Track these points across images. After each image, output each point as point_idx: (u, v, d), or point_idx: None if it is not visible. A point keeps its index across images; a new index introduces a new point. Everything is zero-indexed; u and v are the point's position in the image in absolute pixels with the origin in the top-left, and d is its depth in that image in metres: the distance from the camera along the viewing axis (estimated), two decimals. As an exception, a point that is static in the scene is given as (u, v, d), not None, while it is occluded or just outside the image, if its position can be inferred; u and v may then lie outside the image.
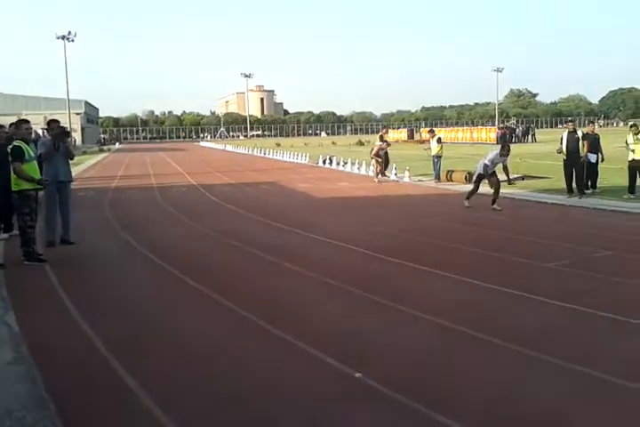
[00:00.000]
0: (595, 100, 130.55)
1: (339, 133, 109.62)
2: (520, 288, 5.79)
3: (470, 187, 12.42)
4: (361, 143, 50.54)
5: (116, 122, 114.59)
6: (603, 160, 13.52)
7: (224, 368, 4.06)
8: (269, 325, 4.86)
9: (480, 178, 11.91)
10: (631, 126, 13.02)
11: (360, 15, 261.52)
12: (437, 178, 17.15)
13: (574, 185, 12.87)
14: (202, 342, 4.59)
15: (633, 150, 12.34)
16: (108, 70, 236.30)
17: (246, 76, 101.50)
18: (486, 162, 11.63)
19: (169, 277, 6.67)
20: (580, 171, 12.84)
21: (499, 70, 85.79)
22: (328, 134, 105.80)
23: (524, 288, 5.78)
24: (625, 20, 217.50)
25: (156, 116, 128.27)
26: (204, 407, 3.44)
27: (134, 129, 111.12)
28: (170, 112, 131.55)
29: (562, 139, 13.12)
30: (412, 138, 57.53)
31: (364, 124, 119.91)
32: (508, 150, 11.76)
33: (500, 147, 11.95)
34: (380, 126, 39.96)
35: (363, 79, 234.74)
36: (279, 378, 3.87)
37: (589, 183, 13.42)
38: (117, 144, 75.51)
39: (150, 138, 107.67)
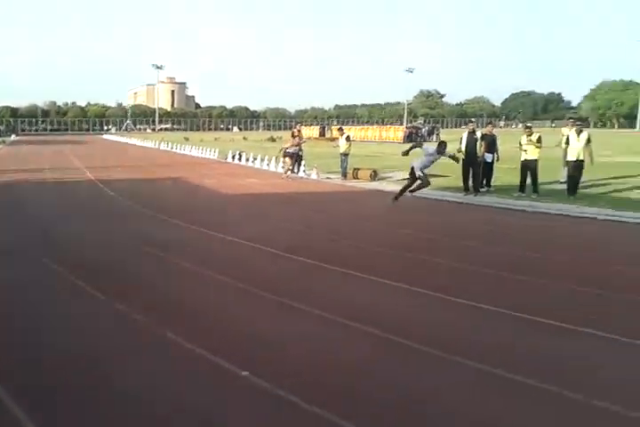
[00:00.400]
0: (497, 102, 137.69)
1: (251, 129, 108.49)
2: (419, 285, 5.93)
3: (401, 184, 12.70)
4: (272, 139, 50.29)
5: (15, 112, 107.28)
6: (498, 160, 14.19)
7: (116, 374, 3.87)
8: (164, 328, 4.66)
9: (414, 176, 12.18)
10: (525, 128, 13.81)
11: (276, 2, 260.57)
12: (344, 175, 17.38)
13: (471, 184, 13.48)
14: (88, 349, 4.34)
15: (525, 151, 13.04)
16: (6, 57, 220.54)
17: (158, 67, 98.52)
18: (426, 154, 12.17)
19: (54, 277, 6.28)
20: (477, 170, 13.45)
21: (410, 71, 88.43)
22: (240, 129, 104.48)
23: (423, 285, 5.92)
24: (529, 20, 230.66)
25: (59, 106, 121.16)
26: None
27: (34, 120, 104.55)
28: (73, 103, 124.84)
29: (461, 139, 13.70)
30: (324, 135, 57.92)
31: (277, 120, 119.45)
32: (445, 146, 12.34)
33: (437, 144, 12.61)
34: (294, 123, 39.97)
35: (278, 74, 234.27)
36: (180, 388, 3.72)
37: (484, 181, 14.07)
38: (13, 136, 70.62)
39: (51, 130, 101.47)
